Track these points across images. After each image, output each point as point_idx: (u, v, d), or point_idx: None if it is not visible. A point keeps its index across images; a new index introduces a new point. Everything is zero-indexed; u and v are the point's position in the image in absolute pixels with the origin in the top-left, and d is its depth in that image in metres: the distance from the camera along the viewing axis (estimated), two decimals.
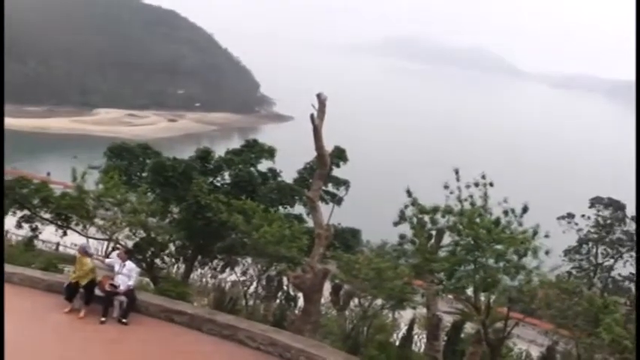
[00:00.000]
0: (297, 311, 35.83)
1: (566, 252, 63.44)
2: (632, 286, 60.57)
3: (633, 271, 62.38)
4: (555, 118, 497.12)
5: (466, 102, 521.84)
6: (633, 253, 63.18)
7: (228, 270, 39.96)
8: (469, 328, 36.75)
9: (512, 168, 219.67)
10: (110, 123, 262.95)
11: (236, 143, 52.62)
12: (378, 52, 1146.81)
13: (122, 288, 24.47)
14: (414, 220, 24.55)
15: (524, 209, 23.98)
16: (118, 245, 33.34)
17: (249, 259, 37.71)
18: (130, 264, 25.32)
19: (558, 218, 66.83)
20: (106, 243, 38.69)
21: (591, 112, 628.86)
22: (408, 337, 40.47)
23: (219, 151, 46.19)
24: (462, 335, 38.71)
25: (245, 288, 38.01)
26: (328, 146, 28.18)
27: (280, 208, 41.94)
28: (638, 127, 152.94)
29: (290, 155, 57.02)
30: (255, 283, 39.05)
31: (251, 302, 37.38)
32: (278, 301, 39.71)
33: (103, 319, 23.89)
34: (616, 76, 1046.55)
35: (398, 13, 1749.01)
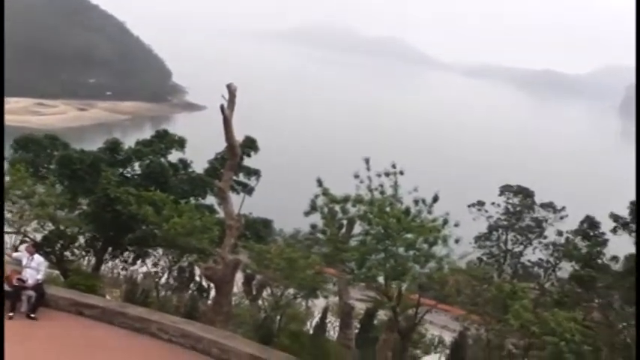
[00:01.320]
0: (209, 302, 35.73)
1: (477, 239, 64.25)
2: (542, 272, 61.95)
3: (542, 257, 63.56)
4: (469, 106, 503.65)
5: (380, 91, 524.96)
6: (542, 240, 64.36)
7: (139, 262, 39.64)
8: (382, 315, 37.20)
9: (424, 156, 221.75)
10: (19, 112, 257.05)
11: (148, 133, 52.05)
12: (293, 40, 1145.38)
13: (30, 282, 23.95)
14: (325, 209, 24.56)
15: (435, 199, 24.25)
16: (25, 238, 32.77)
17: (160, 251, 37.53)
18: (38, 257, 24.80)
19: (469, 206, 67.55)
20: (13, 236, 37.95)
21: (503, 100, 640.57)
22: (321, 326, 40.81)
23: (131, 141, 45.67)
24: (375, 322, 39.18)
25: (157, 279, 37.79)
26: (240, 136, 28.09)
27: (192, 199, 41.71)
28: (638, 131, 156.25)
29: (202, 145, 56.72)
30: (166, 275, 38.87)
31: (163, 293, 37.19)
32: (190, 292, 39.60)
33: (10, 314, 23.32)
34: (525, 65, 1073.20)
35: (314, 1, 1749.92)
